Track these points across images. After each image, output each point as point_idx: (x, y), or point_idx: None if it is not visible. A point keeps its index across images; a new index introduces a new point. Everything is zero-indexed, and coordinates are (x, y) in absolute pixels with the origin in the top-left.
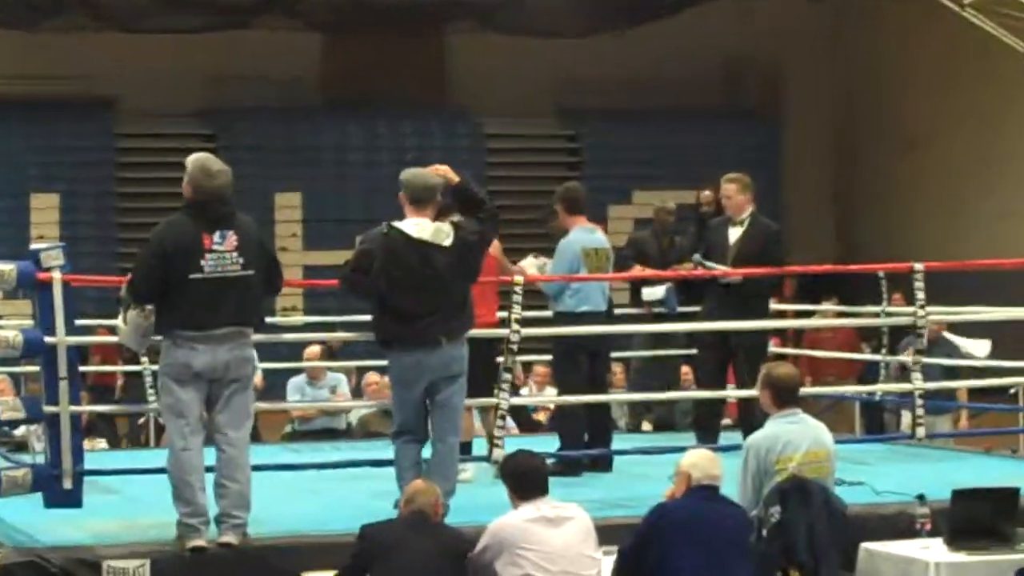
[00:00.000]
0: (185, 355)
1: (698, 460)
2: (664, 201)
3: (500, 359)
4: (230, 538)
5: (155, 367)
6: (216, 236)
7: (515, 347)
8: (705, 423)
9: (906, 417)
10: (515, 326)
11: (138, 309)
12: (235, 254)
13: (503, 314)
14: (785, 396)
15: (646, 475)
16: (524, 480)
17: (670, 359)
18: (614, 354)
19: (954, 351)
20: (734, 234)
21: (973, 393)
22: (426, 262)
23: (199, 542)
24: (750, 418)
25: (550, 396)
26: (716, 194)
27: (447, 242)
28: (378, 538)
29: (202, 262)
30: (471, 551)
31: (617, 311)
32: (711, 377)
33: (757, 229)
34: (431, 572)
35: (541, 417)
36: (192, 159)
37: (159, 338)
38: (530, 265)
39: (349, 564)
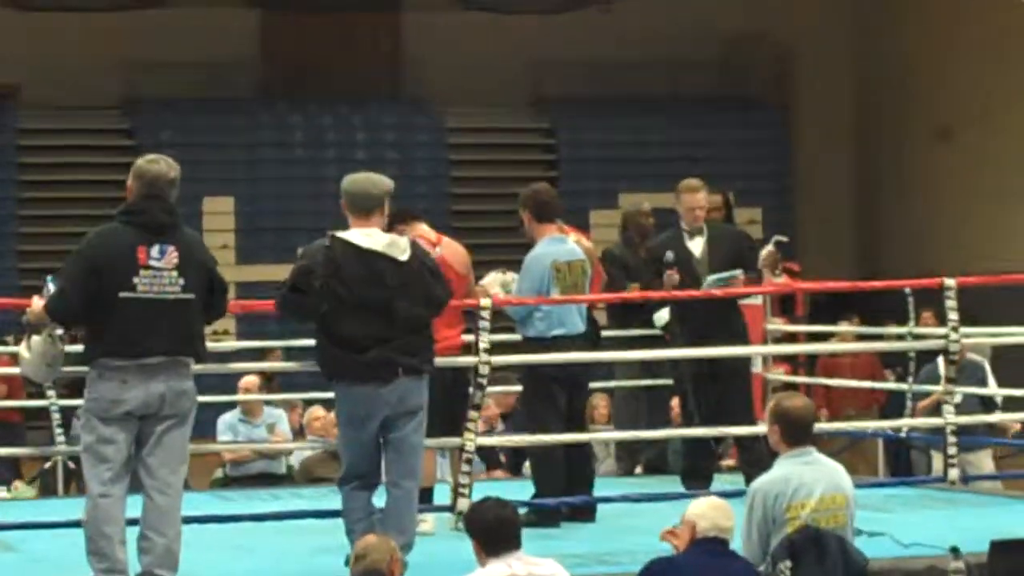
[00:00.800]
0: (114, 390)
1: (706, 510)
2: (636, 203)
3: (464, 391)
4: None
5: (63, 402)
6: (154, 251)
7: (484, 381)
8: (697, 466)
9: (937, 458)
10: (484, 356)
11: (44, 334)
12: (174, 274)
13: (468, 337)
14: (797, 433)
15: (634, 526)
16: (493, 533)
17: (658, 390)
18: (597, 384)
19: (985, 376)
20: (697, 246)
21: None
22: (378, 278)
23: None
24: (754, 458)
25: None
26: (724, 197)
27: (403, 256)
28: None
29: (135, 279)
30: None
31: (606, 334)
32: (705, 411)
33: (721, 234)
34: None
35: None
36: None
37: (68, 369)
38: (494, 282)
39: None
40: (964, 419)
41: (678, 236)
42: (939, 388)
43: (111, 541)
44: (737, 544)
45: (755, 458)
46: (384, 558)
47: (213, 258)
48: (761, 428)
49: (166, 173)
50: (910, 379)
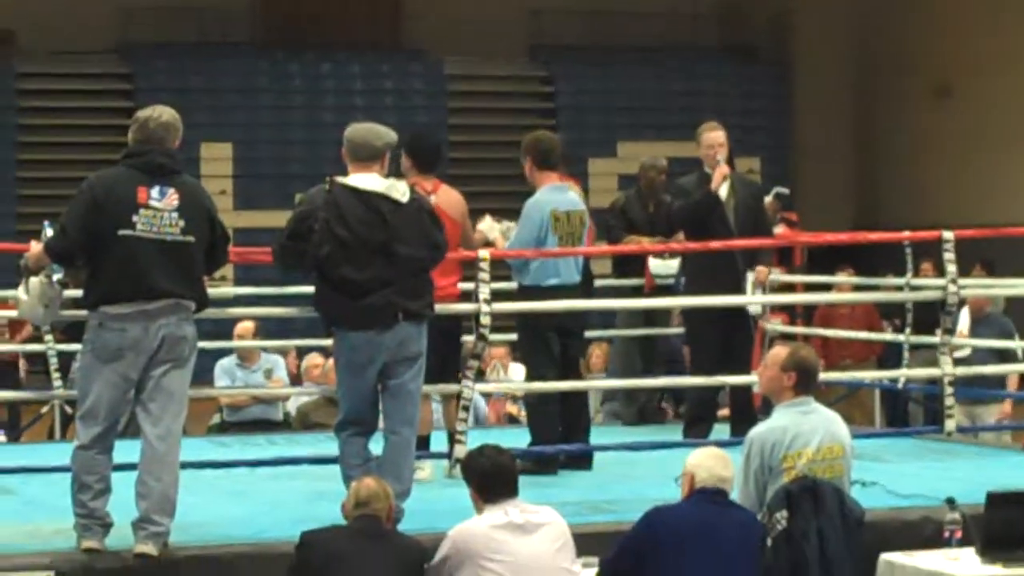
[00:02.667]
0: (117, 338)
1: (704, 459)
2: (655, 157)
3: (464, 339)
4: (148, 548)
5: (61, 347)
6: (154, 191)
7: (486, 330)
8: (700, 415)
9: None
10: (485, 307)
11: (42, 276)
12: (175, 215)
13: (466, 286)
14: (810, 382)
15: (631, 474)
16: (490, 480)
17: (652, 339)
18: (596, 333)
19: (1006, 328)
20: (723, 188)
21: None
22: (379, 218)
23: (93, 543)
24: (748, 409)
25: (518, 383)
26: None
27: (403, 199)
28: (322, 547)
29: (134, 217)
30: (428, 562)
31: (599, 283)
32: (712, 360)
33: (742, 183)
34: None
35: (513, 410)
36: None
37: (67, 313)
38: (490, 229)
39: None
40: (961, 370)
41: (703, 178)
42: (935, 339)
43: (89, 490)
44: (735, 493)
45: (747, 414)
46: (384, 506)
47: (214, 205)
48: (742, 378)
49: (159, 116)
50: (907, 330)
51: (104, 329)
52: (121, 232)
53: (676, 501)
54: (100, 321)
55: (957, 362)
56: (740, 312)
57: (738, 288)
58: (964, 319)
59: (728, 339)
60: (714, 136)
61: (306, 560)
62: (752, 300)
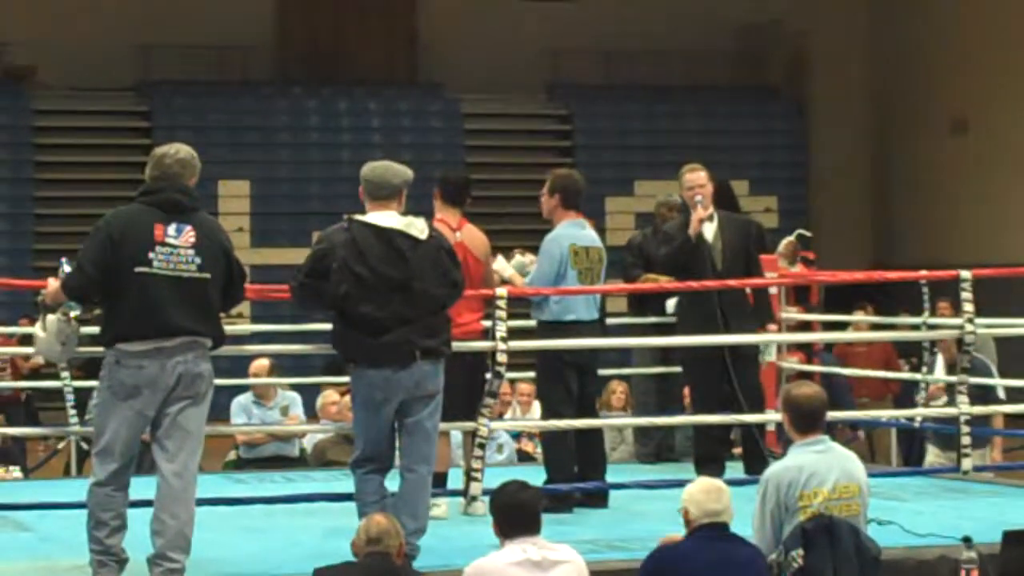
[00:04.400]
0: (134, 376)
1: (695, 494)
2: (670, 194)
3: (484, 376)
4: None
5: (77, 383)
6: (171, 229)
7: (502, 368)
8: (710, 453)
9: (931, 450)
10: (501, 344)
11: (59, 314)
12: (191, 252)
13: (486, 323)
14: (806, 421)
15: (646, 512)
16: (509, 516)
17: (671, 377)
18: (611, 371)
19: (984, 369)
20: (708, 231)
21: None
22: (397, 256)
23: None
24: (756, 447)
25: (534, 421)
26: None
27: (422, 236)
28: None
29: (151, 255)
30: None
31: (611, 321)
32: (711, 399)
33: (730, 221)
34: None
35: (528, 448)
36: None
37: (83, 350)
38: (504, 268)
39: None
40: (978, 409)
41: (687, 220)
42: (952, 379)
43: (105, 527)
44: (748, 531)
45: (756, 451)
46: (395, 543)
47: (231, 243)
48: (771, 416)
49: (176, 153)
50: (924, 369)
51: (121, 367)
52: (138, 269)
53: (681, 537)
54: (117, 359)
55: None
56: (736, 351)
57: (715, 330)
58: (939, 366)
59: (724, 379)
60: (694, 177)
61: None
62: (769, 339)
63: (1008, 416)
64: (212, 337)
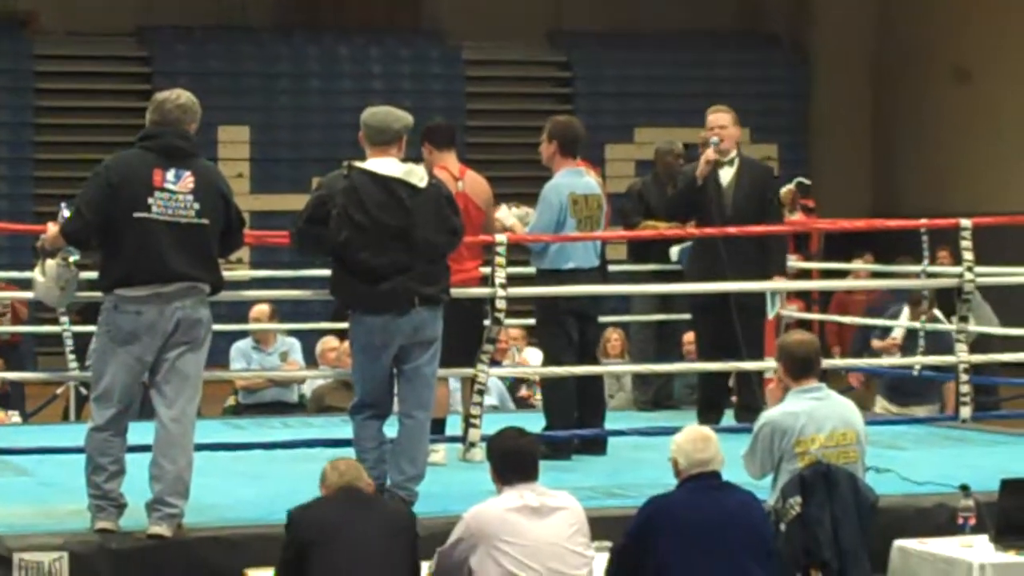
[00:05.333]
0: (131, 321)
1: (682, 444)
2: (671, 141)
3: (481, 323)
4: (162, 529)
5: (76, 328)
6: (170, 174)
7: (502, 315)
8: (710, 400)
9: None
10: (500, 291)
11: (58, 258)
12: (190, 198)
13: (486, 269)
14: (799, 367)
15: (644, 459)
16: (507, 462)
17: (669, 324)
18: (609, 319)
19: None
20: (725, 175)
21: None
22: (397, 203)
23: (107, 524)
24: (752, 396)
25: (534, 367)
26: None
27: (420, 184)
28: (312, 521)
29: (150, 200)
30: (418, 527)
31: (612, 268)
32: (710, 346)
33: (750, 168)
34: (380, 553)
35: (527, 394)
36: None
37: (82, 294)
38: (507, 216)
39: (284, 558)
40: (977, 358)
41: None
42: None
43: (104, 472)
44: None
45: (752, 401)
46: (360, 475)
47: (230, 189)
48: (756, 364)
49: (176, 99)
50: (923, 317)
51: (119, 312)
52: (136, 215)
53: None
54: (115, 304)
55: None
56: (739, 301)
57: (721, 276)
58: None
59: (727, 327)
60: (714, 118)
61: (298, 537)
62: (768, 287)
63: (1006, 364)
64: (210, 283)
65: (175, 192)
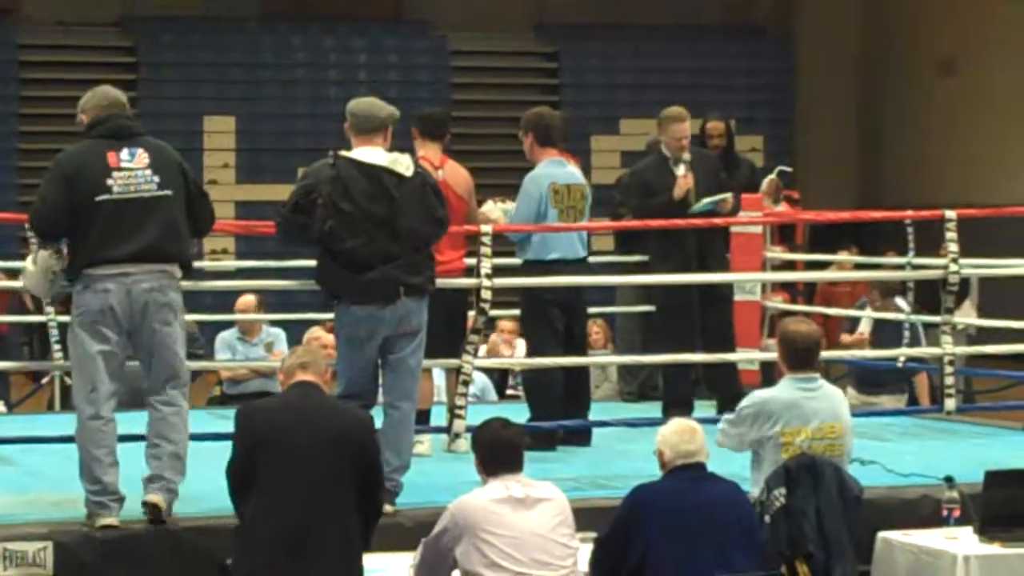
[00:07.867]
0: (99, 299)
1: (668, 436)
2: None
3: (464, 314)
4: (157, 499)
5: (62, 318)
6: (124, 153)
7: (487, 306)
8: (678, 394)
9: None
10: (486, 281)
11: (51, 250)
12: (148, 172)
13: (471, 260)
14: (797, 358)
15: (629, 451)
16: (492, 453)
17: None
18: (596, 310)
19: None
20: (681, 171)
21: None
22: (383, 192)
23: (110, 520)
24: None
25: (519, 359)
26: (726, 125)
27: (407, 172)
28: (260, 422)
29: (108, 181)
30: (367, 434)
31: (597, 259)
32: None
33: (700, 159)
34: (324, 462)
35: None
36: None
37: (65, 284)
38: (492, 210)
39: (232, 457)
40: (961, 349)
41: (662, 162)
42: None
43: (100, 464)
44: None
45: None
46: (319, 368)
47: (184, 161)
48: (741, 355)
49: (108, 90)
50: (908, 308)
51: (88, 291)
52: (98, 198)
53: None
54: (85, 284)
55: None
56: (715, 292)
57: (686, 268)
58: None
59: (700, 318)
60: (681, 129)
61: (244, 437)
62: (752, 278)
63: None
64: (180, 262)
65: (133, 169)
